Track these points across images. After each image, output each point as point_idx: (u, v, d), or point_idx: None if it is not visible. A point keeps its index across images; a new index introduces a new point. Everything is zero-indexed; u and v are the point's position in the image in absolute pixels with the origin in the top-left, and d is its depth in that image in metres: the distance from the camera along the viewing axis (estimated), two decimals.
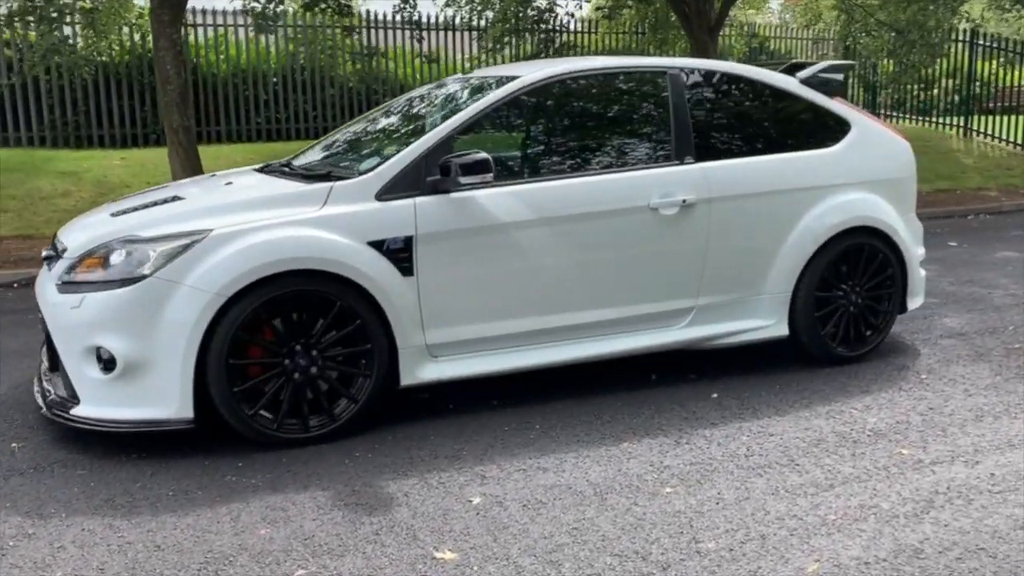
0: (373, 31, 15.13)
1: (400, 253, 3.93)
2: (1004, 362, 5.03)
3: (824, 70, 5.04)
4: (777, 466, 3.71)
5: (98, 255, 3.79)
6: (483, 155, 3.96)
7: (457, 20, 14.70)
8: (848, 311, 4.97)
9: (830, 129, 5.01)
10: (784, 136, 4.93)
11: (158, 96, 11.08)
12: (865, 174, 4.99)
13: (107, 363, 3.68)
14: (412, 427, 4.12)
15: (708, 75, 4.86)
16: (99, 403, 3.73)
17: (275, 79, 14.51)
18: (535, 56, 12.80)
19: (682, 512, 3.31)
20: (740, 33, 17.15)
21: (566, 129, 4.60)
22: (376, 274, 3.87)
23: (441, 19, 15.31)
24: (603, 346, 4.44)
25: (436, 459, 3.77)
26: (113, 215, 4.18)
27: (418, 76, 15.25)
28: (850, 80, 19.45)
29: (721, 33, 17.27)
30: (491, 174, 3.99)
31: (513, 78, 4.42)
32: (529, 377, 4.50)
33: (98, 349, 3.68)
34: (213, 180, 4.77)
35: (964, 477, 3.60)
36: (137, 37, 13.65)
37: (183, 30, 13.91)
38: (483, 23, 13.95)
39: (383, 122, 4.98)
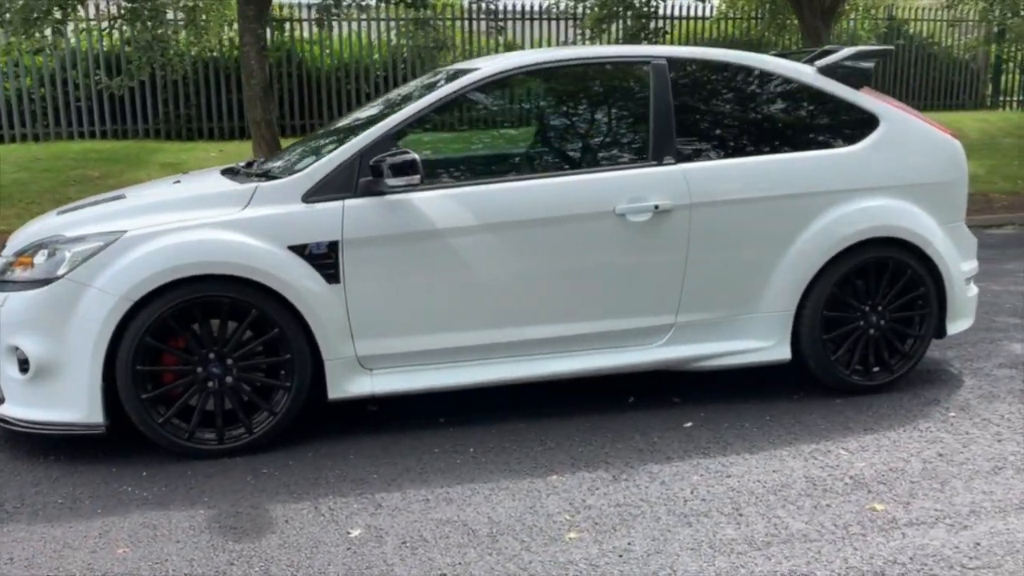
0: (474, 22, 14.98)
1: (324, 259, 3.68)
2: None
3: (849, 58, 4.41)
4: (716, 515, 3.23)
5: (28, 254, 3.73)
6: (411, 156, 3.65)
7: (553, 8, 14.31)
8: (867, 334, 4.35)
9: (852, 125, 4.39)
10: (792, 133, 4.35)
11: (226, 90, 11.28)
12: (893, 177, 4.35)
13: (22, 364, 3.62)
14: (338, 443, 3.87)
15: (702, 65, 4.34)
16: (20, 403, 3.68)
17: (379, 72, 14.59)
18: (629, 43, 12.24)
19: (573, 563, 2.91)
20: (867, 16, 15.90)
21: (524, 127, 4.21)
22: (296, 281, 3.63)
23: (533, 7, 15.02)
24: (565, 364, 4.04)
25: (342, 482, 3.51)
26: (59, 213, 4.13)
27: None
28: (1010, 64, 17.77)
29: (851, 16, 16.12)
30: (418, 176, 3.67)
31: (474, 71, 4.08)
32: (497, 393, 4.17)
33: (16, 349, 3.63)
34: (171, 179, 4.66)
35: (938, 545, 3.02)
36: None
37: (288, 25, 14.24)
38: (581, 9, 13.48)
39: (356, 118, 4.73)
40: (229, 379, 3.67)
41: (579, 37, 14.49)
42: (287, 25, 14.54)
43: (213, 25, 12.92)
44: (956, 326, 4.55)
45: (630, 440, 3.89)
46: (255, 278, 3.58)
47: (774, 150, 4.27)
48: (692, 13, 15.98)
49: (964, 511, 3.24)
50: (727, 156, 4.20)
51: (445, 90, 3.95)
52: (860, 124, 4.39)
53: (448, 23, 15.00)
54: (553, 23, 15.29)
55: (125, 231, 3.60)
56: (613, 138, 4.22)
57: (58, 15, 10.82)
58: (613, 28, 12.88)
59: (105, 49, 13.20)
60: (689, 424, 4.06)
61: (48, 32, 10.90)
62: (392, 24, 14.68)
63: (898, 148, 4.38)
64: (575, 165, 4.10)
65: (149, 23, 10.79)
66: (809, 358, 4.32)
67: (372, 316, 3.78)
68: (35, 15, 10.40)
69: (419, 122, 3.91)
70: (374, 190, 3.74)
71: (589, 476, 3.54)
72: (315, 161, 3.83)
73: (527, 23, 15.22)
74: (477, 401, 4.24)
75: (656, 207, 3.99)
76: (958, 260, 4.48)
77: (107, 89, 12.06)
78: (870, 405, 4.27)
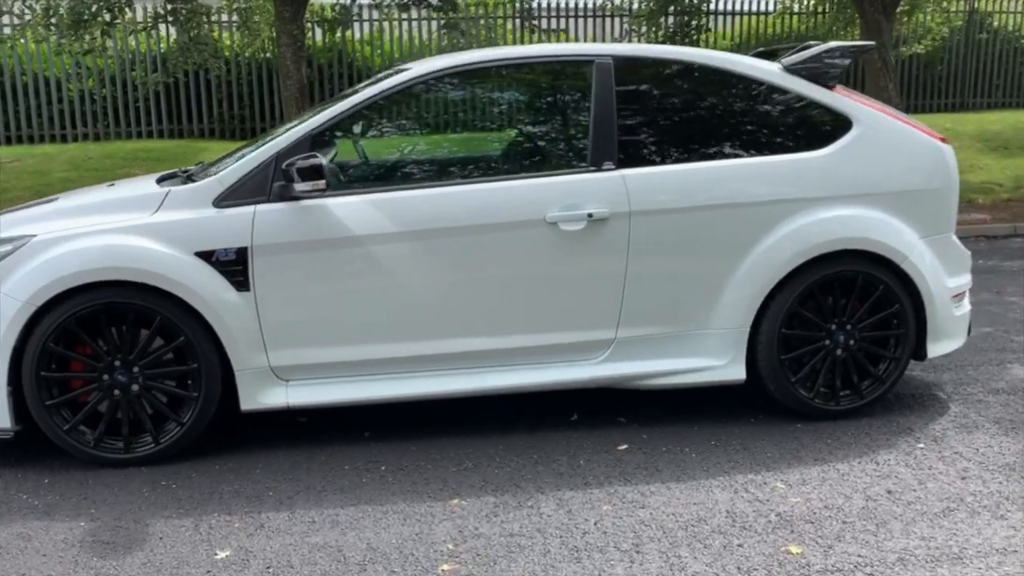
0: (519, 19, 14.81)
1: (232, 266, 3.57)
2: None
3: (821, 55, 4.08)
4: (612, 551, 2.98)
5: None
6: (317, 160, 3.51)
7: (607, 3, 14.02)
8: (832, 355, 4.02)
9: (822, 128, 4.05)
10: (751, 137, 4.04)
11: (280, 90, 11.34)
12: (866, 184, 3.99)
13: None
14: (250, 455, 3.76)
15: (652, 64, 4.06)
16: None
17: None
18: (664, 43, 11.84)
19: None
20: (940, 10, 15.06)
21: (451, 130, 4.01)
22: (202, 288, 3.53)
23: (587, 4, 14.75)
24: (494, 379, 3.84)
25: (234, 498, 3.39)
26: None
27: None
28: None
29: (928, 8, 15.31)
30: (323, 181, 3.52)
31: (405, 71, 3.91)
32: (437, 405, 4.00)
33: None
34: (109, 184, 4.62)
35: None
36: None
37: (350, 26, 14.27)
38: (637, 4, 13.16)
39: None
40: (135, 387, 3.58)
41: (632, 33, 14.19)
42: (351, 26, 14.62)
43: (263, 27, 13.07)
44: (939, 347, 4.16)
45: (554, 462, 3.66)
46: (158, 284, 3.49)
47: (730, 155, 3.97)
48: (752, 8, 15.47)
49: (891, 559, 2.92)
50: (675, 161, 3.92)
51: (371, 92, 3.78)
52: (830, 127, 4.05)
53: (499, 22, 14.88)
54: (607, 20, 15.00)
55: (34, 235, 3.56)
56: (550, 142, 3.99)
57: (107, 17, 11.09)
58: (667, 24, 12.47)
59: (163, 50, 13.50)
60: (624, 447, 3.81)
61: (97, 34, 11.18)
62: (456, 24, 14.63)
63: (872, 153, 4.02)
64: (506, 170, 3.89)
65: (186, 25, 10.94)
66: (767, 379, 4.01)
67: (286, 326, 3.65)
68: (84, 17, 10.67)
69: (340, 125, 3.76)
70: (287, 195, 3.60)
71: (493, 501, 3.33)
72: (232, 164, 3.72)
73: (581, 20, 14.96)
74: (414, 413, 4.08)
75: (590, 215, 3.74)
76: (942, 276, 4.10)
77: (145, 85, 12.33)
78: (832, 432, 3.94)
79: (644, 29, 13.08)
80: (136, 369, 3.58)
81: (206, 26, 11.57)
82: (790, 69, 4.06)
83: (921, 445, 3.79)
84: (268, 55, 14.10)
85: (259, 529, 3.14)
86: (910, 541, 3.03)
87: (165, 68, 11.63)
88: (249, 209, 3.60)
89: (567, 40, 14.88)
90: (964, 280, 4.24)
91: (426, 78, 3.83)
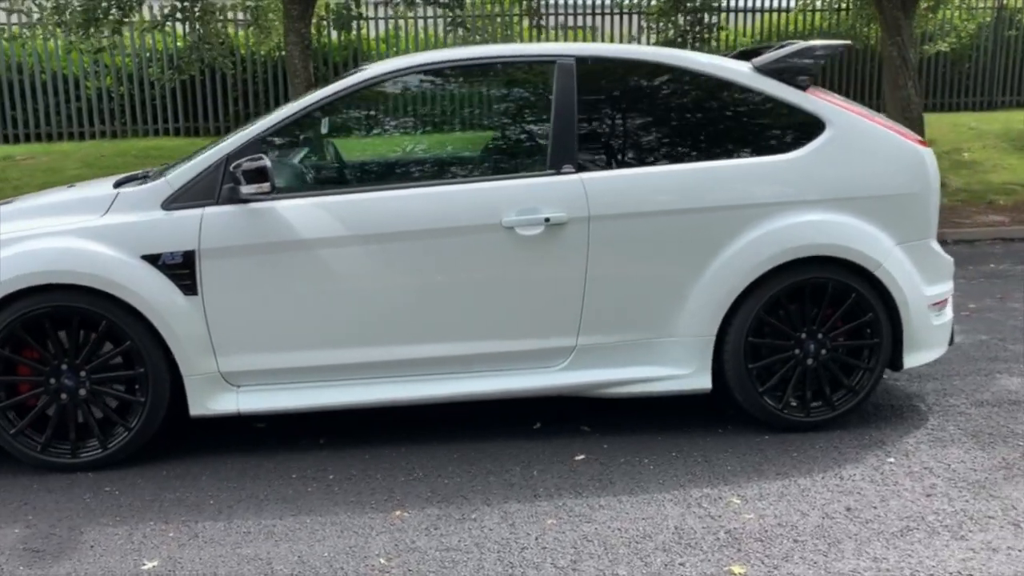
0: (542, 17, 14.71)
1: (179, 269, 3.52)
2: None
3: (792, 55, 3.94)
4: (548, 567, 2.89)
5: None
6: (262, 162, 3.45)
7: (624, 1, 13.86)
8: (803, 365, 3.89)
9: (793, 130, 3.92)
10: (718, 140, 3.92)
11: (290, 89, 11.34)
12: (838, 188, 3.86)
13: None
14: (200, 461, 3.71)
15: (615, 65, 3.95)
16: None
17: None
18: (675, 42, 11.66)
19: None
20: (966, 6, 14.70)
21: (407, 132, 3.94)
22: (148, 292, 3.48)
23: (604, 2, 14.60)
24: (451, 387, 3.76)
25: (175, 506, 3.34)
26: None
27: None
28: None
29: (957, 3, 14.98)
30: (268, 183, 3.46)
31: (361, 71, 3.83)
32: (399, 411, 3.93)
33: None
34: (70, 185, 4.59)
35: None
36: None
37: (356, 24, 14.24)
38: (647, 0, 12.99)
39: None
40: (82, 392, 3.55)
41: (648, 30, 14.02)
42: (355, 24, 14.59)
43: (277, 24, 13.07)
44: (916, 358, 4.01)
45: (507, 473, 3.57)
46: (103, 288, 3.46)
47: (696, 158, 3.85)
48: (771, 5, 15.22)
49: None
50: (638, 165, 3.81)
51: (322, 93, 3.72)
52: (802, 129, 3.91)
53: (515, 19, 14.78)
54: (623, 17, 14.83)
55: None
56: (509, 144, 3.90)
57: (117, 15, 11.14)
58: (684, 21, 12.27)
59: (179, 47, 13.56)
60: (581, 457, 3.71)
61: (108, 32, 11.23)
62: (463, 22, 14.54)
63: (846, 156, 3.88)
64: (463, 173, 3.81)
65: (196, 23, 10.96)
66: (734, 389, 3.89)
67: (236, 330, 3.59)
68: (96, 15, 10.72)
69: (291, 127, 3.69)
70: (236, 198, 3.55)
71: (437, 513, 3.25)
72: (183, 166, 3.67)
73: (597, 18, 14.82)
74: (375, 420, 4.01)
75: (547, 220, 3.64)
76: (919, 284, 3.95)
77: (159, 82, 12.37)
78: (800, 445, 3.81)
79: (659, 26, 12.91)
80: (83, 373, 3.54)
81: (219, 24, 11.57)
82: (760, 69, 3.93)
83: (891, 460, 3.66)
84: (283, 53, 14.10)
85: (193, 539, 3.09)
86: (860, 562, 2.90)
87: (177, 66, 11.66)
88: (197, 212, 3.55)
89: (582, 39, 14.76)
90: (944, 288, 4.08)
91: (381, 79, 3.75)
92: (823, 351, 3.89)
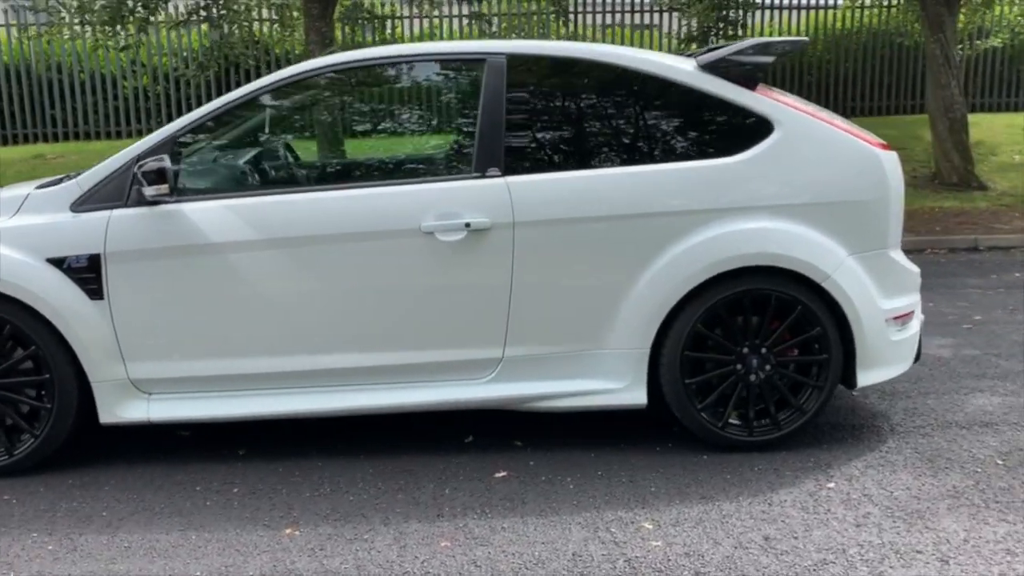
0: (579, 15, 14.51)
1: (85, 273, 3.44)
2: (982, 478, 3.43)
3: (741, 51, 3.70)
4: None
5: None
6: (162, 163, 3.35)
7: None
8: (745, 381, 3.66)
9: (739, 132, 3.69)
10: (657, 141, 3.71)
11: None
12: (784, 194, 3.61)
13: None
14: (107, 471, 3.64)
15: (550, 63, 3.76)
16: None
17: None
18: (701, 36, 11.28)
19: None
20: (1020, 2, 14.01)
21: (325, 133, 3.80)
22: (53, 296, 3.42)
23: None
24: (371, 398, 3.62)
25: (67, 517, 3.27)
26: None
27: None
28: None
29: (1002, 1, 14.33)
30: (166, 185, 3.36)
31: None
32: (330, 422, 3.82)
33: None
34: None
35: None
36: (337, 33, 14.10)
37: (390, 23, 14.20)
38: None
39: None
40: None
41: (685, 27, 13.70)
42: (389, 23, 14.57)
43: (302, 22, 13.10)
44: (872, 375, 3.74)
45: (418, 490, 3.42)
46: (4, 291, 3.39)
47: (632, 161, 3.65)
48: (817, 3, 14.74)
49: None
50: (570, 168, 3.62)
51: (240, 92, 3.60)
52: (748, 130, 3.68)
53: (551, 17, 14.57)
54: (664, 15, 14.55)
55: None
56: (434, 146, 3.74)
57: (142, 13, 11.26)
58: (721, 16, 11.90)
59: (204, 45, 13.68)
60: (503, 474, 3.54)
61: (133, 30, 11.36)
62: (495, 20, 14.42)
63: (794, 159, 3.63)
64: (384, 175, 3.66)
65: (218, 21, 11.01)
66: (672, 405, 3.68)
67: (144, 337, 3.51)
68: (122, 12, 10.84)
69: (205, 127, 3.58)
70: (144, 200, 3.46)
71: (329, 533, 3.11)
72: (95, 167, 3.60)
73: (637, 15, 14.57)
74: (306, 430, 3.90)
75: (467, 225, 3.48)
76: (875, 296, 3.68)
77: (183, 78, 12.48)
78: (737, 466, 3.58)
79: (680, 21, 12.58)
80: None
81: (243, 22, 11.62)
82: (705, 68, 3.70)
83: (831, 484, 3.41)
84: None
85: (70, 552, 3.00)
86: None
87: (200, 64, 11.75)
88: (105, 214, 3.47)
89: (613, 40, 14.51)
90: (907, 301, 3.81)
91: (299, 77, 3.62)
92: (767, 367, 3.66)
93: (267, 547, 3.02)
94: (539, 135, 3.66)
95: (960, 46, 13.64)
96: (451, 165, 3.66)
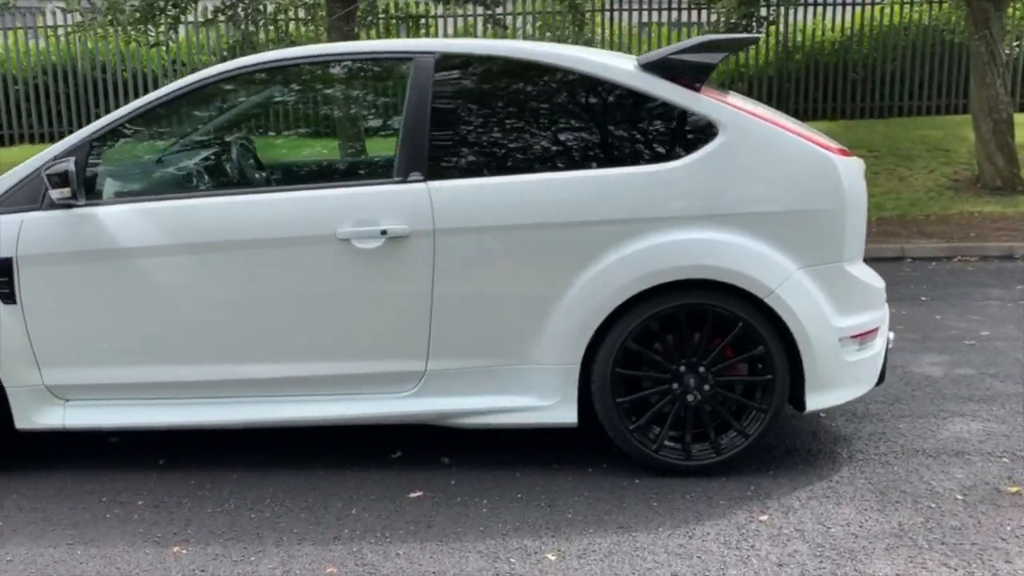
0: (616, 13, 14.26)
1: None
2: (934, 514, 3.15)
3: (685, 50, 3.47)
4: None
5: None
6: (65, 166, 3.26)
7: None
8: (681, 401, 3.43)
9: (681, 135, 3.46)
10: (592, 146, 3.50)
11: None
12: (727, 202, 3.38)
13: None
14: (23, 478, 3.58)
15: (479, 62, 3.57)
16: None
17: None
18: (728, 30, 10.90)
19: None
20: None
21: (240, 136, 3.68)
22: None
23: None
24: (291, 410, 3.49)
25: None
26: None
27: None
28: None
29: None
30: (69, 189, 3.27)
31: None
32: (262, 432, 3.71)
33: None
34: None
35: None
36: (373, 33, 14.10)
37: (424, 22, 14.12)
38: None
39: None
40: None
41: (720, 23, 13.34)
42: (423, 22, 14.52)
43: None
44: (823, 398, 3.48)
45: (324, 509, 3.27)
46: None
47: (565, 167, 3.45)
48: None
49: None
50: (496, 174, 3.43)
51: (155, 94, 3.50)
52: (690, 134, 3.45)
53: (593, 15, 14.34)
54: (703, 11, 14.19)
55: None
56: (357, 149, 3.59)
57: (173, 12, 11.37)
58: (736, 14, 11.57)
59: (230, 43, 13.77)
60: (418, 494, 3.38)
61: (164, 28, 11.48)
62: (532, 18, 14.26)
63: (738, 165, 3.39)
64: (301, 179, 3.53)
65: (243, 21, 11.04)
66: (605, 425, 3.48)
67: (58, 342, 3.43)
68: (153, 11, 10.96)
69: (121, 129, 3.48)
70: (58, 203, 3.38)
71: (216, 553, 2.99)
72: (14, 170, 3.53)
73: (674, 12, 14.26)
74: (237, 440, 3.79)
75: (384, 232, 3.32)
76: (828, 313, 3.41)
77: None
78: (668, 492, 3.36)
79: (708, 17, 12.23)
80: None
81: (267, 21, 11.65)
82: (646, 67, 3.48)
83: (764, 517, 3.16)
84: None
85: None
86: None
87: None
88: (18, 217, 3.40)
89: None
90: (866, 319, 3.53)
91: (218, 79, 3.51)
92: (705, 387, 3.42)
93: (148, 566, 2.90)
94: (466, 138, 3.48)
95: (1016, 43, 13.03)
96: (373, 169, 3.52)
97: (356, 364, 3.45)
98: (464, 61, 3.53)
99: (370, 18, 11.69)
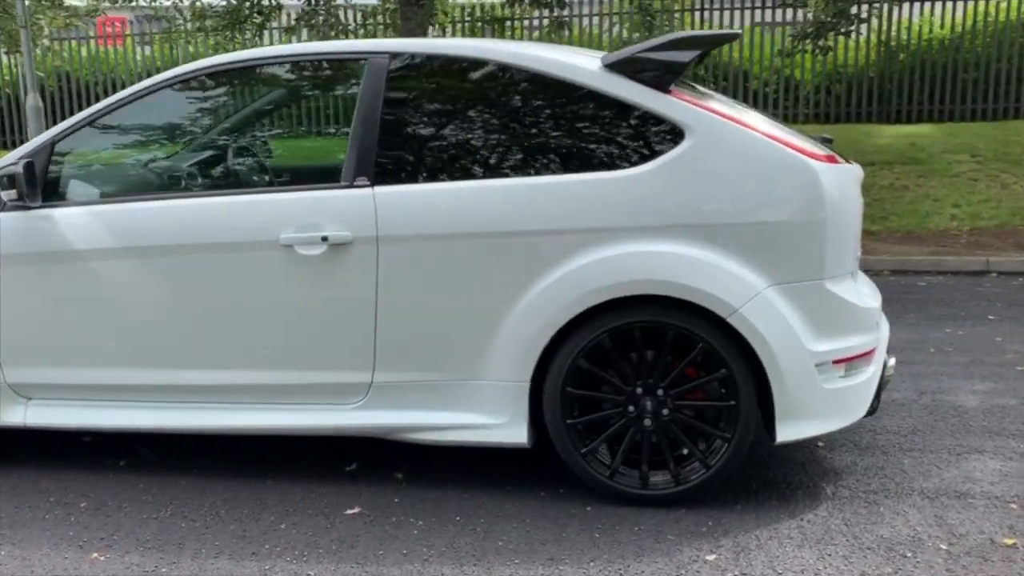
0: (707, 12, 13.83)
1: None
2: (904, 565, 2.81)
3: (653, 48, 3.23)
4: None
5: None
6: (13, 168, 3.30)
7: None
8: (638, 425, 3.20)
9: (644, 139, 3.22)
10: (547, 150, 3.29)
11: None
12: (690, 212, 3.12)
13: None
14: None
15: (435, 62, 3.42)
16: None
17: None
18: (815, 33, 10.23)
19: None
20: None
21: (191, 140, 3.63)
22: None
23: None
24: (235, 418, 3.43)
25: None
26: None
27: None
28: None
29: None
30: (15, 191, 3.31)
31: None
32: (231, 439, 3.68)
33: None
34: None
35: None
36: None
37: (510, 24, 14.06)
38: None
39: None
40: None
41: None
42: (509, 24, 14.46)
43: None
44: (797, 429, 3.16)
45: (255, 523, 3.19)
46: None
47: (516, 173, 3.26)
48: None
49: None
50: (445, 179, 3.27)
51: (111, 99, 3.50)
52: (655, 139, 3.20)
53: (683, 15, 13.96)
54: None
55: None
56: (307, 153, 3.50)
57: (258, 19, 11.69)
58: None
59: None
60: (355, 511, 3.26)
61: (249, 36, 11.81)
62: (618, 19, 13.98)
63: (704, 172, 3.12)
64: (247, 184, 3.46)
65: (321, 28, 11.22)
66: (557, 448, 3.27)
67: (17, 341, 3.48)
68: (240, 17, 11.30)
69: (79, 133, 3.48)
70: (9, 205, 3.43)
71: (133, 562, 2.94)
72: None
73: (767, 12, 13.73)
74: (207, 446, 3.76)
75: (325, 238, 3.22)
76: (803, 335, 3.11)
77: None
78: (616, 523, 3.12)
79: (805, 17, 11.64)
80: None
81: (342, 28, 11.81)
82: (611, 67, 3.25)
83: (711, 556, 2.90)
84: None
85: None
86: None
87: None
88: None
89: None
90: (853, 342, 3.20)
91: (171, 81, 3.47)
92: (664, 411, 3.17)
93: (62, 571, 2.88)
94: (416, 142, 3.34)
95: None
96: (321, 174, 3.41)
97: (302, 373, 3.36)
98: (418, 61, 3.39)
99: (446, 21, 11.68)
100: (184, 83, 3.47)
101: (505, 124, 3.34)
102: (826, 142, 3.89)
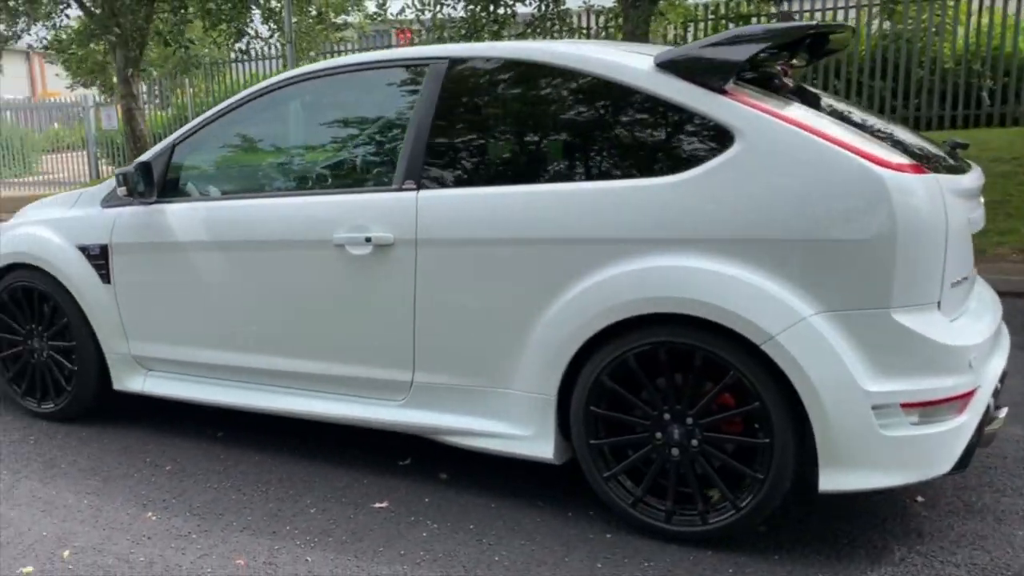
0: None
1: (98, 259, 3.95)
2: None
3: (708, 45, 2.97)
4: None
5: None
6: (130, 168, 3.72)
7: None
8: (664, 454, 2.98)
9: (694, 144, 2.95)
10: (593, 155, 3.13)
11: None
12: (731, 225, 2.82)
13: None
14: (115, 432, 4.10)
15: (489, 66, 3.33)
16: None
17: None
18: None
19: None
20: None
21: (283, 143, 3.86)
22: (77, 276, 3.98)
23: None
24: (310, 405, 3.59)
25: None
26: None
27: None
28: None
29: None
30: (126, 188, 3.72)
31: None
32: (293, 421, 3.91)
33: None
34: None
35: None
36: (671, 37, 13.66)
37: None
38: None
39: None
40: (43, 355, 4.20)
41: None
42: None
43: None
44: (847, 478, 2.76)
45: (292, 503, 3.35)
46: (47, 269, 4.04)
47: (558, 178, 3.14)
48: None
49: None
50: (486, 184, 3.22)
51: (224, 104, 3.81)
52: (704, 143, 2.94)
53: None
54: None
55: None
56: (370, 158, 3.59)
57: (494, 28, 12.12)
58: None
59: None
60: (381, 505, 3.32)
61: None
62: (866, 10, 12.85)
63: (752, 181, 2.81)
64: (319, 186, 3.64)
65: (550, 31, 11.39)
66: (583, 467, 3.13)
67: (138, 319, 3.91)
68: (478, 26, 11.83)
69: (195, 136, 3.81)
70: (136, 200, 3.86)
71: (175, 525, 3.22)
72: None
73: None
74: (271, 424, 4.03)
75: (368, 239, 3.32)
76: (855, 372, 2.71)
77: None
78: (630, 557, 2.92)
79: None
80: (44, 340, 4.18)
81: (568, 30, 11.91)
82: (662, 66, 3.04)
83: None
84: None
85: None
86: None
87: None
88: (116, 211, 3.94)
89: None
90: (931, 384, 2.74)
91: (271, 88, 3.70)
92: (693, 441, 2.92)
93: (118, 525, 3.21)
94: (464, 146, 3.32)
95: None
96: (379, 178, 3.49)
97: (357, 368, 3.48)
98: (472, 65, 3.37)
99: (677, 21, 11.36)
100: (274, 93, 3.70)
101: (548, 128, 3.25)
102: (957, 148, 3.36)
